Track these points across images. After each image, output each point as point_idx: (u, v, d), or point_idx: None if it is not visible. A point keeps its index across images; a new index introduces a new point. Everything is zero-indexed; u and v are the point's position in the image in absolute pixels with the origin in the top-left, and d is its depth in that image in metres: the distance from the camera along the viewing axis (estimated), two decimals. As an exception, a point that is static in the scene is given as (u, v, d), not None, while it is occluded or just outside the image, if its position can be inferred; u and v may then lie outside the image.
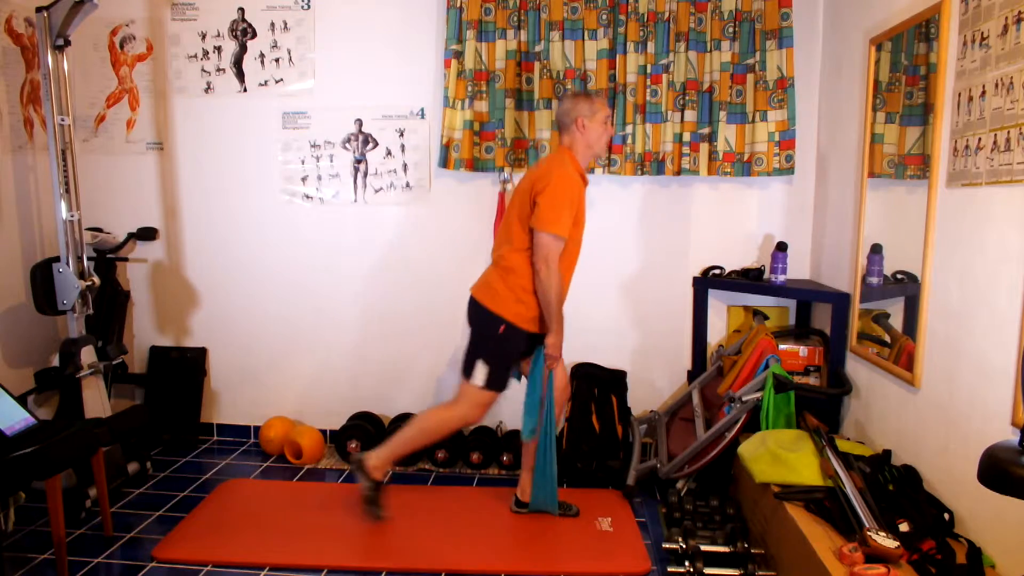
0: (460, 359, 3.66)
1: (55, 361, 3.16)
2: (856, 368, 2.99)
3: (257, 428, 3.81)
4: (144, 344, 3.85)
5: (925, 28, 2.49)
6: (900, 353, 2.63)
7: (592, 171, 3.49)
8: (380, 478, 2.84)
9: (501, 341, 2.69)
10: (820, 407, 3.00)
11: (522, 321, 2.70)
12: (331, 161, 3.67)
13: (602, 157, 2.76)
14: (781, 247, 3.39)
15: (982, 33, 2.09)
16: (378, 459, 2.82)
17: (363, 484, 2.84)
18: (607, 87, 3.46)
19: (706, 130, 3.47)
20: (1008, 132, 1.95)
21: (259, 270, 3.76)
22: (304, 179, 3.70)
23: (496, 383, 2.72)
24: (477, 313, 2.74)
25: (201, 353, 3.82)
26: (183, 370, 3.79)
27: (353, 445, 3.52)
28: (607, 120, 2.77)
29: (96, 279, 3.15)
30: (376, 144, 3.65)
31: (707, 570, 2.45)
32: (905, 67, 2.68)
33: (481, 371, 2.69)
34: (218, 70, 3.65)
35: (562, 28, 3.44)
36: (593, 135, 2.72)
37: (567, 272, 2.75)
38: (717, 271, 3.57)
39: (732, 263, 3.60)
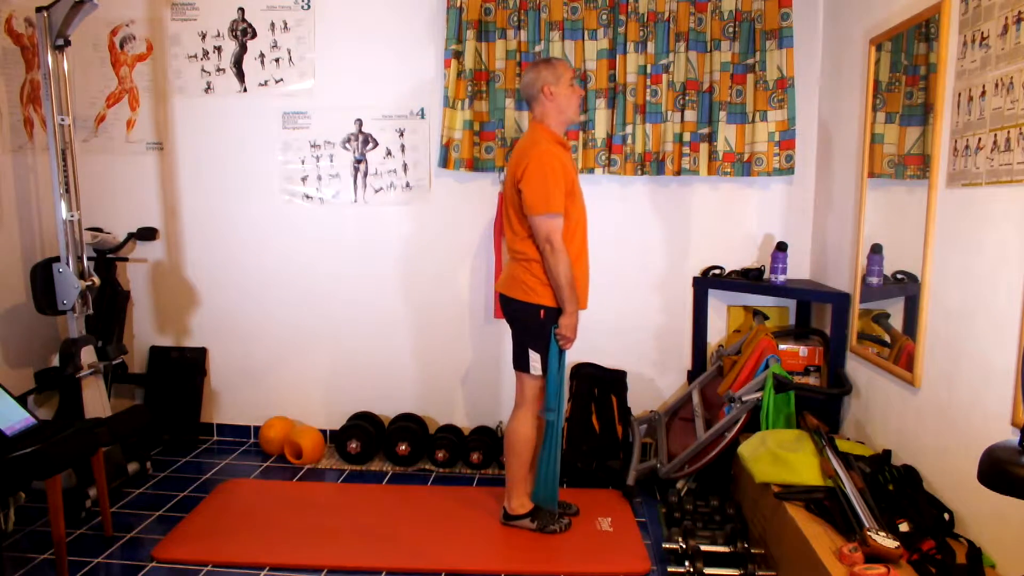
0: (461, 357, 3.70)
1: (55, 361, 3.16)
2: (856, 368, 2.99)
3: (257, 428, 3.81)
4: (144, 344, 3.85)
5: (925, 28, 2.49)
6: (900, 353, 2.63)
7: (592, 171, 3.49)
8: (528, 508, 2.87)
9: (544, 326, 2.70)
10: (820, 407, 3.00)
11: (555, 301, 2.70)
12: (331, 161, 3.67)
13: (576, 121, 2.73)
14: (781, 247, 3.39)
15: (982, 33, 2.09)
16: (514, 502, 2.86)
17: (526, 525, 2.86)
18: (607, 87, 3.46)
19: (706, 130, 3.47)
20: (1008, 132, 1.95)
21: (259, 270, 3.76)
22: (304, 179, 3.70)
23: (546, 367, 2.74)
24: (514, 308, 2.74)
25: (201, 353, 3.82)
26: (183, 370, 3.79)
27: (353, 445, 3.52)
28: (573, 81, 2.74)
29: (96, 279, 3.15)
30: (376, 144, 3.65)
31: (707, 570, 2.45)
32: (905, 67, 2.68)
33: (536, 360, 2.70)
34: (218, 70, 3.65)
35: (562, 28, 3.44)
36: (563, 100, 2.69)
37: (579, 247, 2.74)
38: (717, 271, 3.57)
39: (732, 263, 3.60)
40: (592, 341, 3.68)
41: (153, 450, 3.64)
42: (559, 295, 2.65)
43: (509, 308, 2.76)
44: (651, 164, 3.48)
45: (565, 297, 2.64)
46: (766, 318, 3.58)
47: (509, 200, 2.70)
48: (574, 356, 3.65)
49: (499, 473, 3.48)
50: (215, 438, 3.88)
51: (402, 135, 3.64)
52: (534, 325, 2.70)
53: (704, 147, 3.48)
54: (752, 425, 2.90)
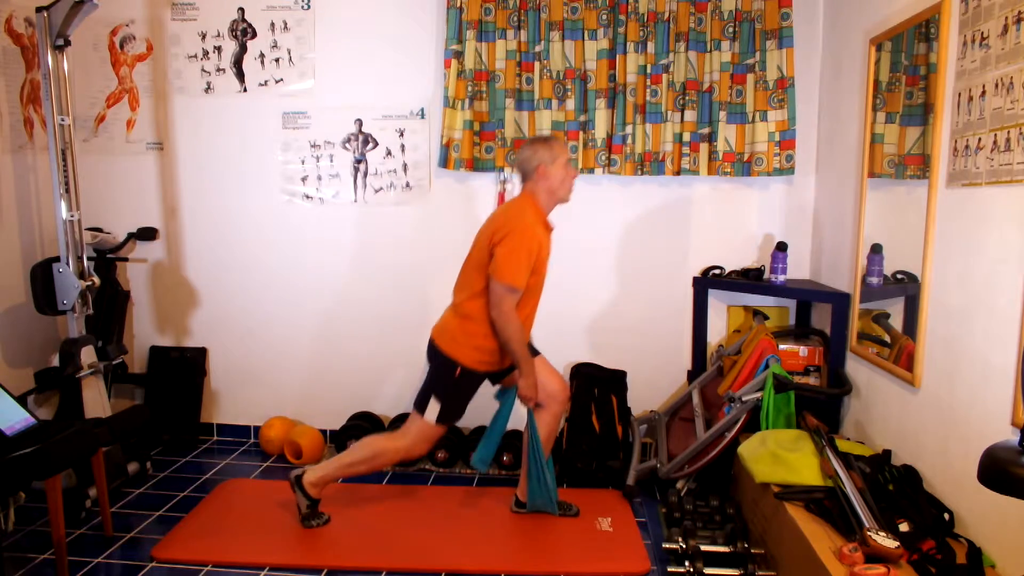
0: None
1: (55, 361, 3.16)
2: (856, 368, 2.99)
3: (257, 428, 3.81)
4: (144, 344, 3.85)
5: (925, 28, 2.49)
6: (900, 353, 2.63)
7: (592, 171, 3.49)
8: (317, 496, 2.87)
9: (457, 382, 2.72)
10: (820, 407, 3.00)
11: (478, 364, 2.72)
12: (331, 161, 3.67)
13: (566, 201, 2.77)
14: (781, 247, 3.39)
15: (982, 33, 2.09)
16: (316, 477, 2.84)
17: (300, 501, 2.86)
18: (607, 87, 3.46)
19: (706, 130, 3.47)
20: (1008, 132, 1.95)
21: (259, 270, 3.76)
22: (304, 179, 3.70)
23: (447, 418, 2.74)
24: (435, 355, 2.75)
25: (201, 353, 3.82)
26: (183, 370, 3.79)
27: (353, 445, 3.52)
28: (568, 163, 2.75)
29: (96, 279, 3.15)
30: (376, 144, 3.65)
31: (707, 570, 2.45)
32: (905, 67, 2.68)
33: (434, 407, 2.71)
34: (218, 70, 3.65)
35: (562, 28, 3.44)
36: (555, 181, 2.71)
37: (527, 320, 2.76)
38: (717, 271, 3.57)
39: (732, 263, 3.59)
40: (592, 341, 3.68)
41: (153, 450, 3.63)
42: (512, 358, 2.68)
43: (431, 352, 2.77)
44: (651, 164, 3.48)
45: (518, 359, 2.67)
46: (766, 318, 3.57)
47: (475, 257, 2.70)
48: (574, 356, 3.66)
49: (499, 473, 3.48)
50: (215, 438, 3.88)
51: (402, 135, 3.64)
52: (446, 378, 2.71)
53: (704, 147, 3.48)
54: (752, 425, 2.90)
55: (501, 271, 2.58)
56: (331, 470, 2.84)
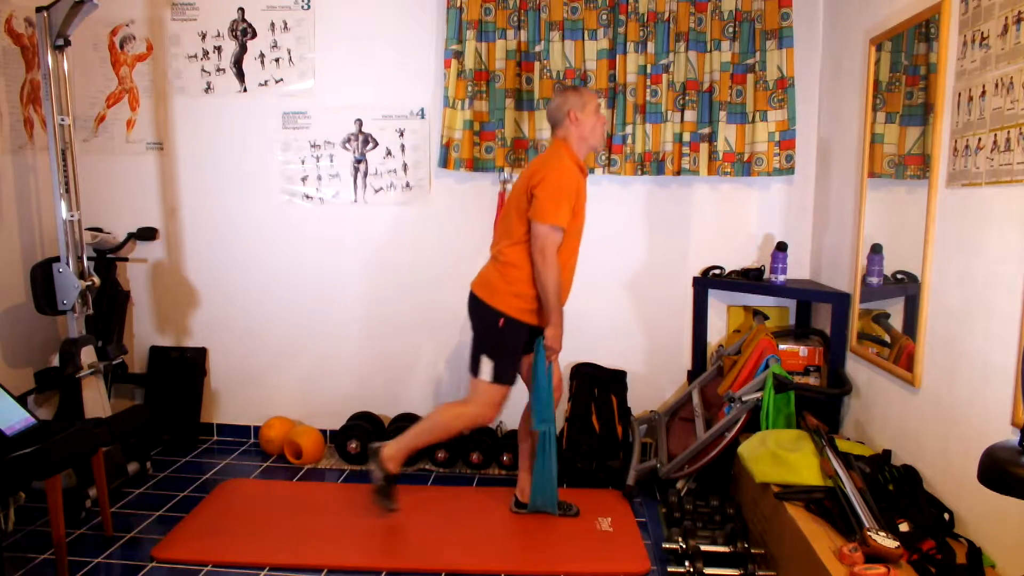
0: (462, 357, 3.69)
1: (55, 361, 3.16)
2: (856, 368, 2.99)
3: (257, 428, 3.81)
4: (144, 344, 3.85)
5: (925, 28, 2.49)
6: (900, 353, 2.63)
7: (592, 171, 3.49)
8: (394, 470, 2.83)
9: (502, 334, 2.70)
10: (820, 407, 3.00)
11: (521, 314, 2.70)
12: (331, 161, 3.68)
13: (598, 149, 2.76)
14: (781, 247, 3.39)
15: (982, 33, 2.09)
16: (394, 450, 2.82)
17: (376, 474, 2.83)
18: (607, 87, 3.46)
19: (706, 130, 3.47)
20: (1008, 132, 1.95)
21: (259, 270, 3.76)
22: (304, 179, 3.70)
23: (503, 376, 2.72)
24: (477, 308, 2.75)
25: (201, 353, 3.82)
26: (183, 370, 3.78)
27: (353, 445, 3.52)
28: (599, 109, 2.78)
29: (96, 279, 3.16)
30: (376, 144, 3.65)
31: (707, 570, 2.45)
32: (905, 67, 2.68)
33: (487, 366, 2.70)
34: (218, 70, 3.65)
35: (562, 28, 3.44)
36: (587, 127, 2.73)
37: (567, 263, 2.75)
38: (717, 271, 3.57)
39: (732, 263, 3.59)
40: (592, 341, 3.68)
41: (153, 450, 3.63)
42: (545, 304, 2.67)
43: (473, 306, 2.77)
44: (651, 164, 3.48)
45: (551, 306, 2.66)
46: (766, 318, 3.57)
47: (515, 204, 2.71)
48: (574, 356, 3.65)
49: (499, 473, 3.48)
50: (215, 438, 3.88)
51: (402, 135, 3.64)
52: (491, 330, 2.71)
53: (704, 147, 3.48)
54: (752, 425, 2.90)
55: (543, 211, 2.59)
56: (407, 440, 2.82)
